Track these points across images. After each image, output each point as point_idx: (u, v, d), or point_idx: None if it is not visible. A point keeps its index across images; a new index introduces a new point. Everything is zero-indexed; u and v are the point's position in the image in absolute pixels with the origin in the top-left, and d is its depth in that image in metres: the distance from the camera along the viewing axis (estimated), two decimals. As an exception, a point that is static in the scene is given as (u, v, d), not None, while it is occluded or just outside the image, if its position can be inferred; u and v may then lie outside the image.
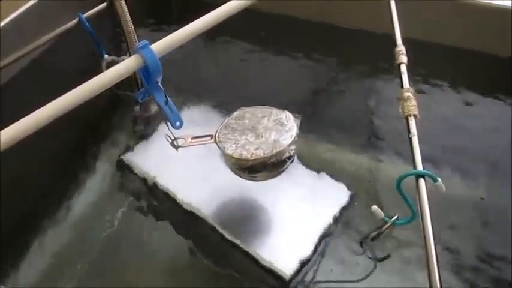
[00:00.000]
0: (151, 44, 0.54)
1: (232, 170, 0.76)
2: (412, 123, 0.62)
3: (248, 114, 0.78)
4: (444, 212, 0.78)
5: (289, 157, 0.73)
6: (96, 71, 0.54)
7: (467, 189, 0.84)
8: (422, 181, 0.56)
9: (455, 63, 1.06)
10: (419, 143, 0.60)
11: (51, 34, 0.94)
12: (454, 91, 1.02)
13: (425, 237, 0.52)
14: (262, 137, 0.73)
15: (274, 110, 0.77)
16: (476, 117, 0.97)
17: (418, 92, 0.99)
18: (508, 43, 1.01)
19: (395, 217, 0.69)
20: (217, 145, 0.74)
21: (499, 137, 0.92)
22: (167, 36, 0.55)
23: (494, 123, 0.95)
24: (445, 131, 0.94)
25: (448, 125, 0.96)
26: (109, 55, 0.97)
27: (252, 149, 0.72)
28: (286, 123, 0.75)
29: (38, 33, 0.94)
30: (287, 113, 0.76)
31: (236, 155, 0.72)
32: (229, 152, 0.72)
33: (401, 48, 0.71)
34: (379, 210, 0.68)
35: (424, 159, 0.59)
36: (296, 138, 0.73)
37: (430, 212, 0.54)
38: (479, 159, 0.89)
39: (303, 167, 0.87)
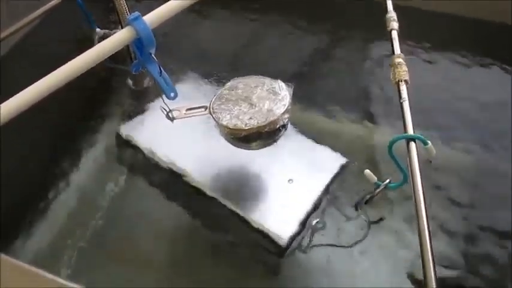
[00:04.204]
0: (143, 15, 0.54)
1: (227, 140, 0.77)
2: (403, 88, 0.63)
3: (241, 84, 0.78)
4: (435, 175, 0.79)
5: (283, 126, 0.75)
6: (89, 44, 0.54)
7: (468, 155, 0.85)
8: (413, 144, 0.58)
9: (456, 30, 1.05)
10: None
11: (42, 9, 0.93)
12: (455, 59, 1.01)
13: (415, 199, 0.54)
14: (256, 106, 0.74)
15: (267, 80, 0.78)
16: (476, 85, 0.97)
17: (417, 59, 1.00)
18: (508, 10, 0.99)
19: (388, 180, 0.71)
20: (212, 116, 0.75)
21: (500, 104, 0.92)
22: (159, 8, 0.55)
23: (494, 90, 0.95)
24: (444, 99, 0.94)
25: (448, 92, 0.96)
26: (101, 28, 0.97)
27: (246, 118, 0.73)
28: (279, 92, 0.75)
29: (28, 9, 0.93)
30: (280, 82, 0.77)
31: (231, 125, 0.73)
32: (223, 122, 0.73)
33: (392, 14, 0.72)
34: (372, 175, 0.70)
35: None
36: (289, 107, 0.74)
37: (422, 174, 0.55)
38: (477, 124, 0.89)
39: (298, 135, 0.88)
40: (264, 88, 0.77)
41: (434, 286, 0.47)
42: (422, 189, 0.54)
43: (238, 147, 0.77)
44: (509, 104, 0.89)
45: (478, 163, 0.84)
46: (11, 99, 0.48)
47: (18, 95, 0.48)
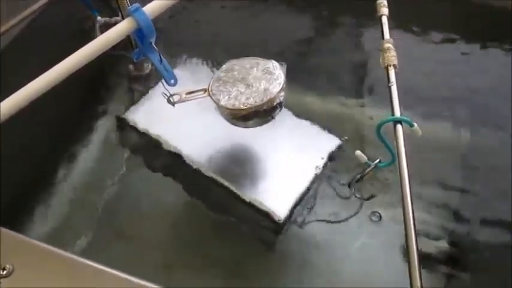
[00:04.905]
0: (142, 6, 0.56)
1: (227, 119, 0.80)
2: (392, 72, 0.66)
3: (237, 66, 0.81)
4: (425, 155, 0.83)
5: (280, 103, 0.78)
6: (91, 33, 0.55)
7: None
8: (399, 126, 0.60)
9: (456, 14, 1.07)
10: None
11: (42, 1, 0.94)
12: (454, 42, 1.04)
13: (401, 178, 0.57)
14: (252, 86, 0.77)
15: (261, 60, 0.80)
16: (476, 68, 0.99)
17: (415, 42, 1.02)
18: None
19: (378, 160, 0.74)
20: (211, 98, 0.78)
21: (499, 87, 0.95)
22: (157, -2, 0.58)
23: (494, 73, 0.98)
24: (444, 81, 0.97)
25: (448, 74, 0.98)
26: (102, 17, 0.99)
27: (244, 98, 0.76)
28: (273, 71, 0.78)
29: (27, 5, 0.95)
30: (273, 62, 0.80)
31: (229, 106, 0.76)
32: (222, 103, 0.76)
33: (382, 0, 0.74)
34: (363, 155, 0.73)
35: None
36: (284, 85, 0.77)
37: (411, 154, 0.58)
38: (470, 106, 0.92)
39: (293, 116, 0.91)
40: (259, 68, 0.79)
41: (416, 258, 0.50)
42: (407, 168, 0.57)
43: (237, 126, 0.80)
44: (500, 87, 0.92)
45: (466, 144, 0.87)
46: (14, 94, 0.49)
47: (22, 89, 0.50)
